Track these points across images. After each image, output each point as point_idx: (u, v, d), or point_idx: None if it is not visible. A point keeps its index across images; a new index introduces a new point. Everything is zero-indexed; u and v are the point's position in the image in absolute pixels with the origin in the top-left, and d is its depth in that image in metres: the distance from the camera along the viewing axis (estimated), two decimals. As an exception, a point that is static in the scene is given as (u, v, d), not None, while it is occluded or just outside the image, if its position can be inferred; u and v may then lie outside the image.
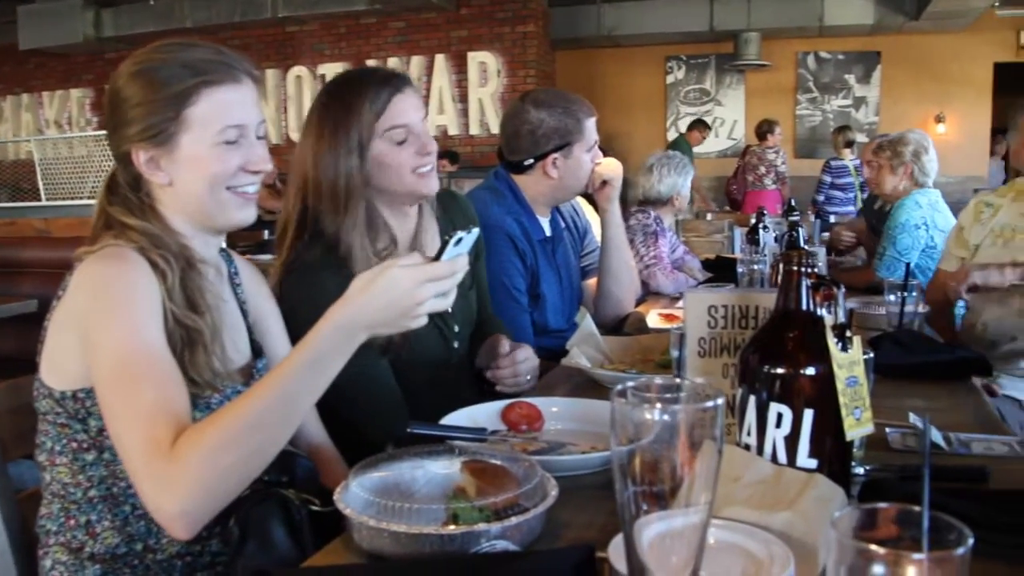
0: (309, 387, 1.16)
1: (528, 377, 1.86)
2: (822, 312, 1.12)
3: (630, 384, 0.75)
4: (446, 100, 10.73)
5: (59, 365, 1.29)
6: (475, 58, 10.46)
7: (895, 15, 10.20)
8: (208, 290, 1.36)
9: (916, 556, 0.61)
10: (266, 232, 6.43)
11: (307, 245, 1.76)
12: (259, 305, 1.57)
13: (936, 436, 1.43)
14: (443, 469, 1.20)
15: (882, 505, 0.67)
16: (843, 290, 1.15)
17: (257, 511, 1.20)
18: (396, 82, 1.77)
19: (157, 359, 1.20)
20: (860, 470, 1.27)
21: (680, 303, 3.06)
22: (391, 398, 1.75)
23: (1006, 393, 2.53)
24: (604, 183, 2.58)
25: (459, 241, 1.19)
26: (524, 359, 1.85)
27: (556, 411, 1.59)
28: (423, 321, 1.20)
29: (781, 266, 1.12)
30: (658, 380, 0.78)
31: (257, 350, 1.51)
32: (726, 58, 11.13)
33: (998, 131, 9.58)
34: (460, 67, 10.64)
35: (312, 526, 1.23)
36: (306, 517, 1.23)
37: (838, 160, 8.42)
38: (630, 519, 0.74)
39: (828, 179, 8.41)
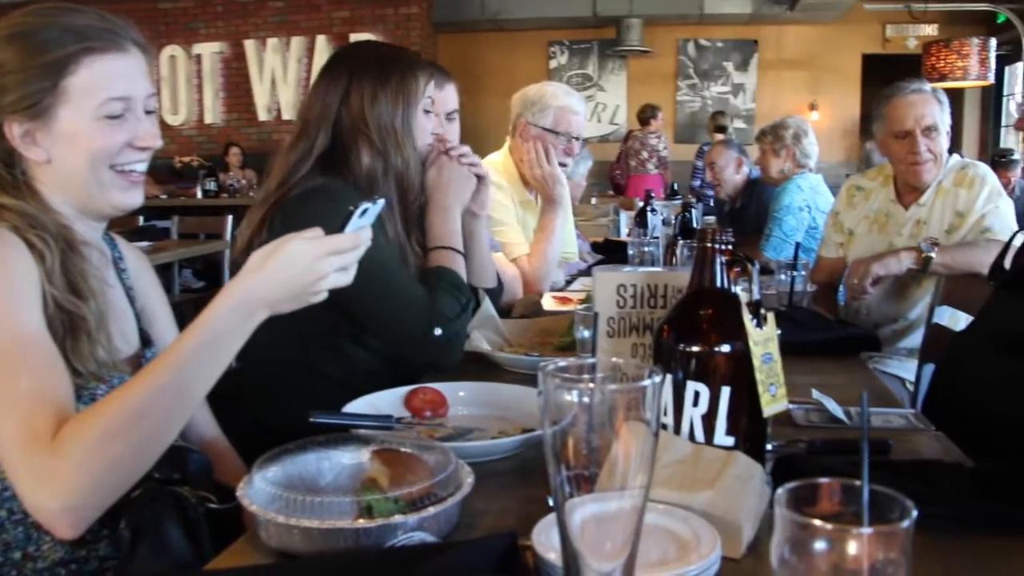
0: (204, 370, 1.09)
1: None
2: (736, 289, 1.12)
3: (561, 364, 0.72)
4: (328, 83, 10.49)
5: None
6: (357, 39, 10.25)
7: (771, 5, 10.52)
8: (92, 274, 1.26)
9: (862, 531, 0.60)
10: (141, 218, 6.17)
11: (310, 177, 1.75)
12: (147, 292, 1.47)
13: (837, 410, 1.46)
14: (351, 459, 1.14)
15: (822, 480, 0.66)
16: (757, 267, 1.15)
17: (149, 511, 1.12)
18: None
19: (34, 345, 1.11)
20: (768, 446, 1.27)
21: (573, 286, 3.06)
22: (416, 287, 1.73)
23: (890, 372, 2.63)
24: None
25: (364, 212, 1.13)
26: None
27: (462, 396, 1.55)
28: (323, 296, 1.15)
29: (696, 243, 1.11)
30: (590, 360, 0.75)
31: (146, 339, 1.41)
32: (608, 44, 11.25)
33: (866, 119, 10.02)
34: (342, 49, 10.42)
35: (210, 525, 1.16)
36: (203, 516, 1.16)
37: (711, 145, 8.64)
38: (563, 503, 0.71)
39: (702, 164, 8.62)
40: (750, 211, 4.53)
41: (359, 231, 1.14)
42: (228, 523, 1.13)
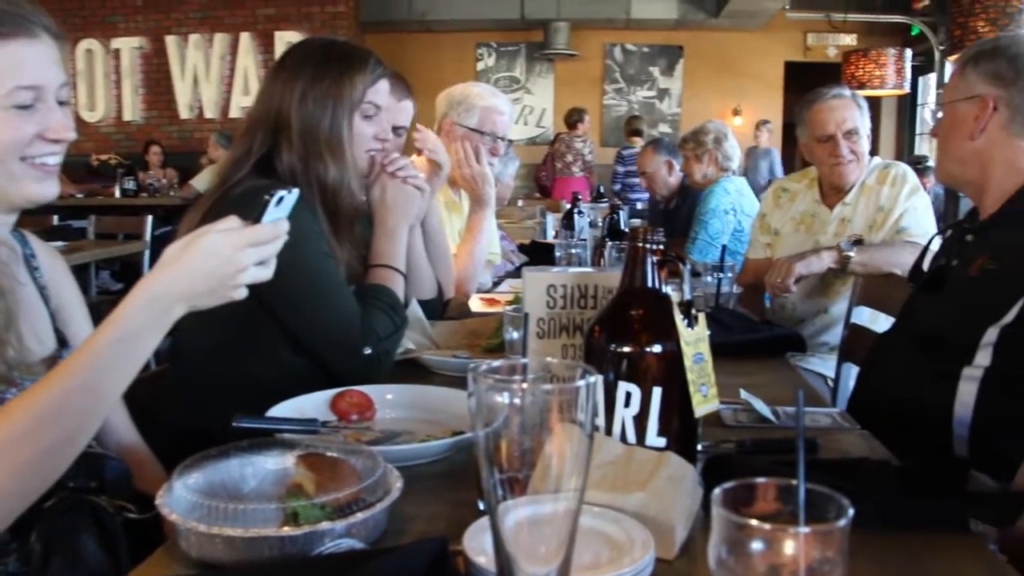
0: (118, 369, 1.04)
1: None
2: (667, 290, 1.12)
3: (492, 365, 0.71)
4: (251, 81, 10.32)
5: None
6: (282, 38, 10.07)
7: (697, 12, 10.72)
8: (2, 272, 1.20)
9: (800, 530, 0.60)
10: (55, 217, 5.96)
11: (250, 176, 1.68)
12: (62, 291, 1.40)
13: (765, 410, 1.47)
14: (275, 465, 1.10)
15: (759, 480, 0.65)
16: (689, 267, 1.15)
17: (63, 522, 1.07)
18: (385, 69, 1.83)
19: None
20: (698, 447, 1.28)
21: (500, 287, 3.05)
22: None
23: (812, 369, 2.69)
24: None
25: (280, 200, 1.10)
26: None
27: (389, 398, 1.52)
28: (243, 293, 1.11)
29: (627, 243, 1.11)
30: (522, 361, 0.73)
31: (62, 339, 1.34)
32: (536, 47, 11.31)
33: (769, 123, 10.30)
34: (267, 47, 10.25)
35: (128, 536, 1.11)
36: (121, 526, 1.11)
37: (629, 148, 8.72)
38: (496, 506, 0.69)
39: (621, 169, 8.71)
40: (682, 212, 4.60)
41: (277, 223, 1.11)
42: (148, 533, 1.09)
